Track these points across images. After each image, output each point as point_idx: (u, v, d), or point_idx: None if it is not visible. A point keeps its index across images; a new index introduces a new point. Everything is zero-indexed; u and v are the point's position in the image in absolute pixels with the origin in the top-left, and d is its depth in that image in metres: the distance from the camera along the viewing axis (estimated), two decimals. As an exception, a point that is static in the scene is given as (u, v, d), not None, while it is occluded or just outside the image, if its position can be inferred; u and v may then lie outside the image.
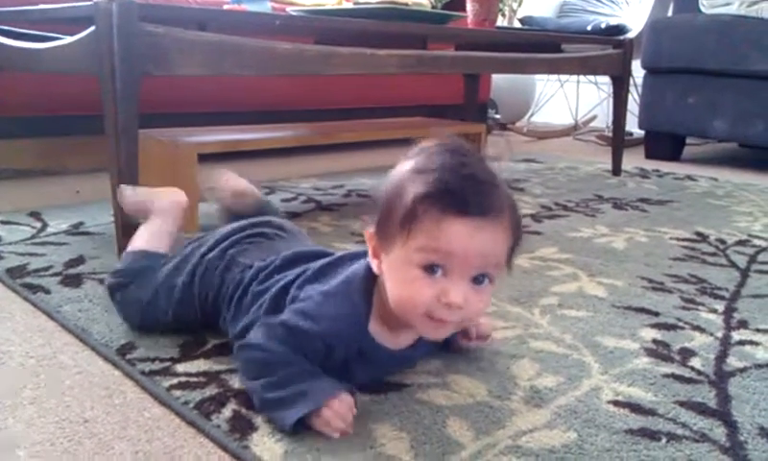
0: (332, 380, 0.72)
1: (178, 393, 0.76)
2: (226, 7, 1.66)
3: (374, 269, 0.73)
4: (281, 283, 0.80)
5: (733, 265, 1.32)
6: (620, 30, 2.97)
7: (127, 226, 1.13)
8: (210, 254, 0.90)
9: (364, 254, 0.76)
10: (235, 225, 0.96)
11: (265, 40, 1.31)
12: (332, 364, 0.74)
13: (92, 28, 1.10)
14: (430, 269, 0.67)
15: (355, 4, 1.72)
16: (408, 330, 0.76)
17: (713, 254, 1.39)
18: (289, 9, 1.79)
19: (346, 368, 0.75)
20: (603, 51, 2.25)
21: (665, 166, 2.59)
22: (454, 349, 0.88)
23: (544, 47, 2.22)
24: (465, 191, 0.65)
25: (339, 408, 0.68)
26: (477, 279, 0.68)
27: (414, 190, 0.66)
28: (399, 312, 0.70)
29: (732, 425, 0.73)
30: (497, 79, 3.35)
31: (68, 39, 1.19)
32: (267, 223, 0.97)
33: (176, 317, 0.90)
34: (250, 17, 1.52)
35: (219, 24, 1.42)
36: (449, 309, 0.67)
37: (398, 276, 0.69)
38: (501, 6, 3.45)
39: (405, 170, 0.69)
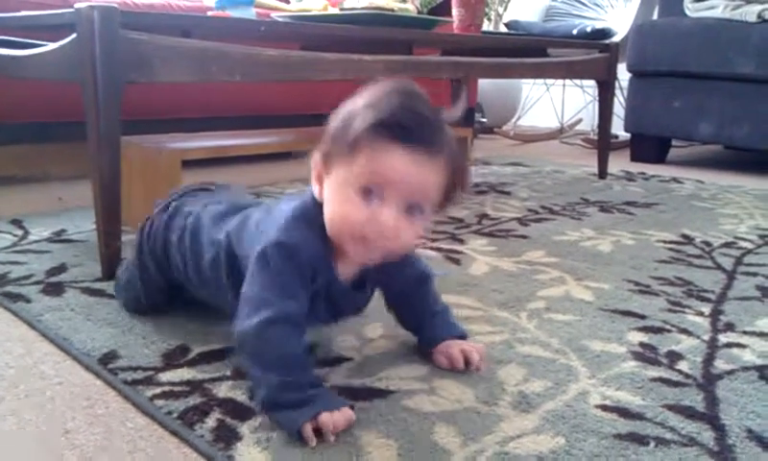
0: (335, 394, 0.74)
1: (161, 402, 0.75)
2: (210, 13, 1.65)
3: (315, 194, 0.76)
4: (230, 228, 0.84)
5: (719, 267, 1.33)
6: (605, 34, 2.99)
7: (109, 233, 1.12)
8: (157, 218, 0.95)
9: (298, 197, 0.79)
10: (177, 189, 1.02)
11: (250, 46, 1.30)
12: (312, 296, 0.76)
13: (74, 35, 1.09)
14: (367, 194, 0.70)
15: (341, 10, 1.72)
16: (347, 260, 0.77)
17: (699, 257, 1.39)
18: (274, 15, 1.79)
19: (311, 304, 0.76)
20: (588, 55, 2.26)
21: (651, 169, 2.60)
22: (437, 364, 0.86)
23: (530, 51, 2.23)
24: (410, 124, 0.69)
25: (338, 417, 0.69)
26: (410, 211, 0.71)
27: (363, 119, 0.70)
28: (334, 232, 0.74)
29: (720, 429, 0.73)
30: (483, 83, 3.36)
31: (50, 46, 1.17)
32: (211, 183, 1.02)
33: (145, 288, 0.96)
34: (234, 24, 1.51)
35: (203, 31, 1.41)
36: (381, 232, 0.70)
37: (337, 197, 0.72)
38: (487, 10, 3.47)
39: (357, 103, 0.72)
